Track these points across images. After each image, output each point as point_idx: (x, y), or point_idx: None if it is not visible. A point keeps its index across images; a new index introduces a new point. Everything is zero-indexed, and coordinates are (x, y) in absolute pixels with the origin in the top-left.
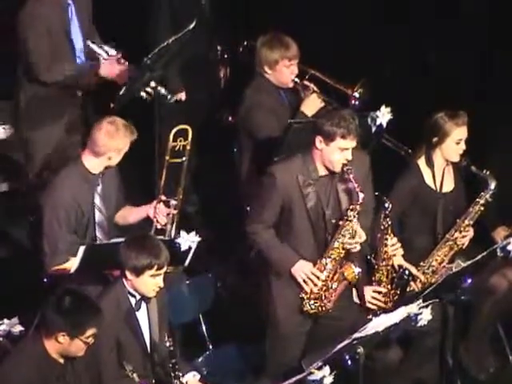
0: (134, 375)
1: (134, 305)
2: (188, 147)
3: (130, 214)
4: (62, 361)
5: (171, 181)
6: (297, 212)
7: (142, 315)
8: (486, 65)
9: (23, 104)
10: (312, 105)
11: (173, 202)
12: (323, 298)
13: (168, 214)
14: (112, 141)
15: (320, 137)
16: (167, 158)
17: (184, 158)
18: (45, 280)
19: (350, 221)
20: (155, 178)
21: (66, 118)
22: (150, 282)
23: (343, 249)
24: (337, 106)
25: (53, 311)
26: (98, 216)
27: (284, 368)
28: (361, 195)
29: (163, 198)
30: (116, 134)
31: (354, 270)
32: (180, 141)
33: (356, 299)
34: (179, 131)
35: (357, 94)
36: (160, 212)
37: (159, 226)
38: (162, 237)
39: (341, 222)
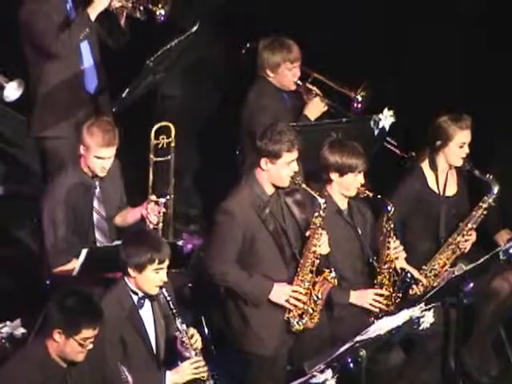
0: (129, 377)
1: (136, 303)
2: (172, 144)
3: (128, 215)
4: (64, 365)
5: (162, 179)
6: (261, 238)
7: (146, 313)
8: (486, 65)
9: (36, 103)
10: (315, 109)
11: (161, 200)
12: (310, 310)
13: (159, 213)
14: (87, 136)
15: (265, 158)
16: (151, 156)
17: (170, 156)
18: (47, 282)
19: (318, 228)
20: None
21: (77, 117)
22: (154, 277)
23: (316, 258)
24: (341, 109)
25: (54, 307)
26: (96, 218)
27: None
28: (321, 200)
29: (153, 197)
30: (93, 131)
31: (331, 275)
32: (163, 138)
33: (353, 301)
34: (161, 128)
35: (359, 97)
36: (151, 211)
37: (152, 226)
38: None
39: (309, 232)
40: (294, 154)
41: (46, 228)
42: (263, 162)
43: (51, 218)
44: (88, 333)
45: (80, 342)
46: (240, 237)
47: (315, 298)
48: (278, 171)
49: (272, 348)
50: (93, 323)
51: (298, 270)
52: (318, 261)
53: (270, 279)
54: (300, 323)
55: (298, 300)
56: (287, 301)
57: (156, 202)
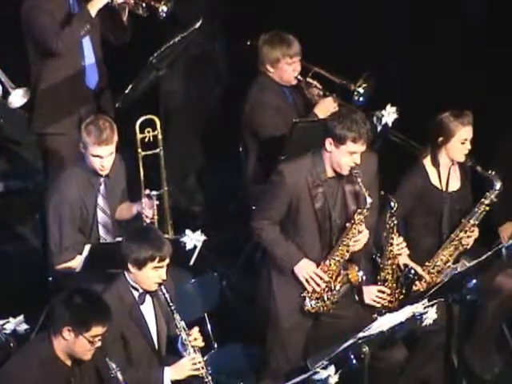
0: (118, 374)
1: (137, 298)
2: (160, 137)
3: (124, 210)
4: (69, 363)
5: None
6: (304, 212)
7: (147, 309)
8: (486, 64)
9: (37, 100)
10: (326, 108)
11: (153, 193)
12: (325, 298)
13: (153, 206)
14: (84, 134)
15: (330, 139)
16: (139, 150)
17: (158, 149)
18: (50, 278)
19: (357, 224)
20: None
21: (79, 113)
22: (153, 275)
23: (347, 251)
24: (350, 108)
25: (62, 305)
26: (101, 216)
27: (285, 365)
28: (368, 200)
29: (147, 191)
30: (89, 129)
31: (357, 273)
32: (148, 132)
33: (357, 297)
34: (145, 122)
35: (361, 90)
36: (146, 205)
37: (148, 220)
38: (167, 236)
39: (347, 225)
40: (359, 147)
41: (52, 225)
42: (328, 142)
43: (57, 215)
44: (98, 330)
45: (89, 340)
46: (286, 201)
47: (332, 288)
48: (339, 157)
49: (287, 320)
50: (102, 320)
51: (328, 256)
52: (348, 254)
53: (302, 253)
54: (313, 305)
55: (316, 284)
56: (306, 280)
57: (149, 196)
